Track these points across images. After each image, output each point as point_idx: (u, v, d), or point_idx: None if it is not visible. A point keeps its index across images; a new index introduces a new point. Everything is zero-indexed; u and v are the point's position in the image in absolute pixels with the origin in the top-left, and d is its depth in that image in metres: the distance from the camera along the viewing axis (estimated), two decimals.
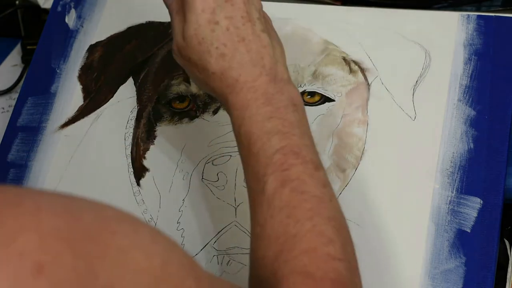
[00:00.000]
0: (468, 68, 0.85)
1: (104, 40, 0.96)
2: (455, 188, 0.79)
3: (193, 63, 0.72)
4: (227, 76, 0.70)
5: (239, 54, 0.70)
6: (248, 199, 0.68)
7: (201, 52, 0.71)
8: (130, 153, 0.88)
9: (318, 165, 0.67)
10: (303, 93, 0.87)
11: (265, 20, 0.74)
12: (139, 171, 0.87)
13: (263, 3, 0.93)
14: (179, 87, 0.90)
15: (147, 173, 0.87)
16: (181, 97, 0.90)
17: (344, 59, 0.88)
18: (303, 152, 0.67)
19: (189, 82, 0.89)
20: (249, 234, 0.80)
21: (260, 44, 0.71)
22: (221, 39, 0.70)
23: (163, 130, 0.89)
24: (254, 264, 0.65)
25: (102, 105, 0.92)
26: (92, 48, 0.96)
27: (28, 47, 1.09)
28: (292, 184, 0.65)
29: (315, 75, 0.88)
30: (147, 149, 0.88)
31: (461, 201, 0.79)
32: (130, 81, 0.93)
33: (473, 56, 0.86)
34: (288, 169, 0.65)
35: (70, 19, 0.99)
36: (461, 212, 0.78)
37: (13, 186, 0.52)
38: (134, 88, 0.92)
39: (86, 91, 0.94)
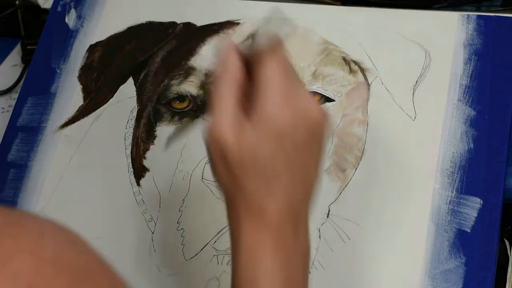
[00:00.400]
0: (468, 68, 0.85)
1: (104, 40, 0.96)
2: (455, 188, 0.80)
3: (226, 163, 0.61)
4: (254, 201, 0.61)
5: (278, 184, 0.61)
6: None
7: (245, 163, 0.60)
8: (130, 153, 0.89)
9: None
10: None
11: (324, 147, 0.64)
12: (139, 171, 0.87)
13: (264, 3, 0.94)
14: (179, 87, 0.90)
15: (147, 173, 0.87)
16: (181, 97, 0.90)
17: (344, 59, 0.88)
18: None
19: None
20: None
21: (303, 178, 0.62)
22: (273, 163, 0.60)
23: (163, 130, 0.89)
24: None
25: (102, 105, 0.92)
26: (92, 48, 0.96)
27: (28, 47, 1.08)
28: None
29: (315, 75, 0.88)
30: (147, 149, 0.88)
31: (461, 201, 0.79)
32: (130, 81, 0.93)
33: (473, 56, 0.86)
34: None
35: (70, 19, 0.99)
36: (461, 212, 0.78)
37: (20, 210, 0.52)
38: (134, 88, 0.92)
39: (86, 91, 0.94)
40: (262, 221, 0.61)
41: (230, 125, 0.60)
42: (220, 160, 0.61)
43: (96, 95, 0.93)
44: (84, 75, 0.95)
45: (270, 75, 0.61)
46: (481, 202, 0.78)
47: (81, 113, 0.92)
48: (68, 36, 0.98)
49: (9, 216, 0.50)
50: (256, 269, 0.60)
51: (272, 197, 0.61)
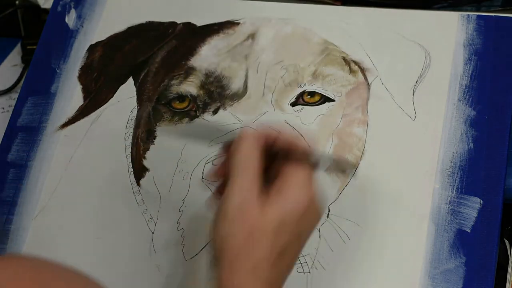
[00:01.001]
0: (468, 68, 0.85)
1: (104, 40, 0.96)
2: (455, 188, 0.79)
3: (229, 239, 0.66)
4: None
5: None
6: None
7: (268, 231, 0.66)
8: (130, 153, 0.89)
9: None
10: (303, 93, 0.87)
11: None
12: (139, 171, 0.87)
13: (264, 3, 0.94)
14: (179, 87, 0.90)
15: (147, 173, 0.87)
16: (181, 97, 0.90)
17: (344, 59, 0.88)
18: None
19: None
20: None
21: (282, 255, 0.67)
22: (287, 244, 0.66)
23: (163, 130, 0.89)
24: None
25: (102, 105, 0.92)
26: (92, 48, 0.96)
27: (28, 47, 1.09)
28: None
29: (315, 75, 0.88)
30: (147, 149, 0.88)
31: (461, 201, 0.79)
32: (130, 81, 0.93)
33: (473, 56, 0.86)
34: None
35: (70, 19, 0.99)
36: (461, 212, 0.78)
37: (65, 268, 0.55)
38: (134, 88, 0.92)
39: (86, 91, 0.94)
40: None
41: (255, 196, 0.66)
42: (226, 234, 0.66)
43: (96, 95, 0.93)
44: (84, 75, 0.95)
45: (297, 181, 0.67)
46: (481, 202, 0.78)
47: (81, 113, 0.92)
48: (68, 36, 0.98)
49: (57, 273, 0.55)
50: None
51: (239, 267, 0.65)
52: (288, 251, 0.66)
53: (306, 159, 0.68)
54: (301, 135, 0.71)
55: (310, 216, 0.67)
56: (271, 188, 0.67)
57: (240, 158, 0.68)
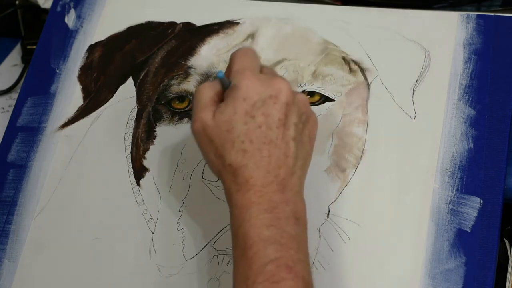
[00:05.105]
0: (468, 68, 0.85)
1: (104, 40, 0.96)
2: (455, 188, 0.80)
3: (213, 146, 0.70)
4: (239, 173, 0.68)
5: (259, 156, 0.68)
6: None
7: (225, 140, 0.69)
8: (130, 153, 0.89)
9: (309, 283, 0.66)
10: (302, 92, 0.87)
11: (303, 126, 0.72)
12: (139, 171, 0.87)
13: (264, 3, 0.94)
14: (179, 87, 0.90)
15: (147, 173, 0.87)
16: (181, 97, 0.90)
17: (344, 58, 0.88)
18: (297, 267, 0.66)
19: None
20: None
21: (283, 152, 0.69)
22: (249, 135, 0.69)
23: (163, 130, 0.89)
24: None
25: (102, 105, 0.92)
26: (92, 48, 0.96)
27: (28, 47, 1.09)
28: None
29: (315, 75, 0.88)
30: (147, 149, 0.88)
31: (461, 200, 0.79)
32: (130, 81, 0.93)
33: (472, 56, 0.86)
34: (278, 282, 0.65)
35: (70, 19, 0.99)
36: (461, 212, 0.78)
37: None
38: (134, 88, 0.92)
39: (86, 91, 0.94)
40: (247, 188, 0.68)
41: (209, 115, 0.71)
42: (207, 144, 0.71)
43: (96, 95, 0.93)
44: (84, 75, 0.95)
45: (238, 65, 0.72)
46: (481, 202, 0.78)
47: (81, 113, 0.92)
48: (68, 36, 0.98)
49: None
50: (246, 225, 0.67)
51: (255, 171, 0.68)
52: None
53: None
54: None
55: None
56: None
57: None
